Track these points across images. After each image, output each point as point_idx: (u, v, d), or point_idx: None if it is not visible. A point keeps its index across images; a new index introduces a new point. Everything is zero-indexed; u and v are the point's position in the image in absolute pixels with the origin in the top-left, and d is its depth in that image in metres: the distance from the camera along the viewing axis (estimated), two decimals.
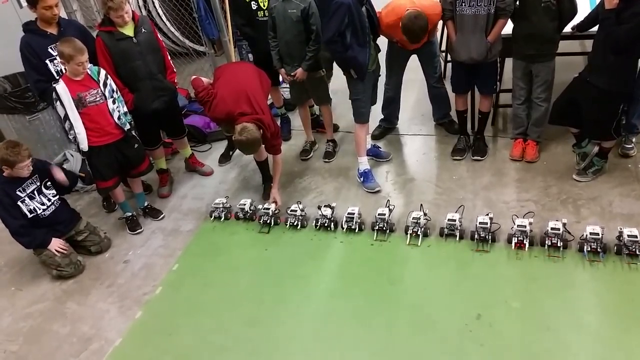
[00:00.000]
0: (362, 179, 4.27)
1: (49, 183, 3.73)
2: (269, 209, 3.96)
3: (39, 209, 3.68)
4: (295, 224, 3.89)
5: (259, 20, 4.46)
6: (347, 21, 3.66)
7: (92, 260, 3.92)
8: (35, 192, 3.66)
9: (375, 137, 4.72)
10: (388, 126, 4.83)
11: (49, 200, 3.72)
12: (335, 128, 4.96)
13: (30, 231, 3.66)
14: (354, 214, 3.77)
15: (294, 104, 4.88)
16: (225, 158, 4.88)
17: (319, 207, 3.83)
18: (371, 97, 4.19)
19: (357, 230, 3.75)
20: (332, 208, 3.86)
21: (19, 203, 3.59)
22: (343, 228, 3.79)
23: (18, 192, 3.58)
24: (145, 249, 3.96)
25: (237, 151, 4.59)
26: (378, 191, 4.17)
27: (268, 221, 3.96)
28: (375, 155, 4.51)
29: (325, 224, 3.81)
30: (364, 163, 4.25)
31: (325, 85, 4.53)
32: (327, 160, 4.64)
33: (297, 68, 4.22)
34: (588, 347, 2.78)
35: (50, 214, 3.74)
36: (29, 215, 3.64)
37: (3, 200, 3.55)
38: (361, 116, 4.18)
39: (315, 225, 3.85)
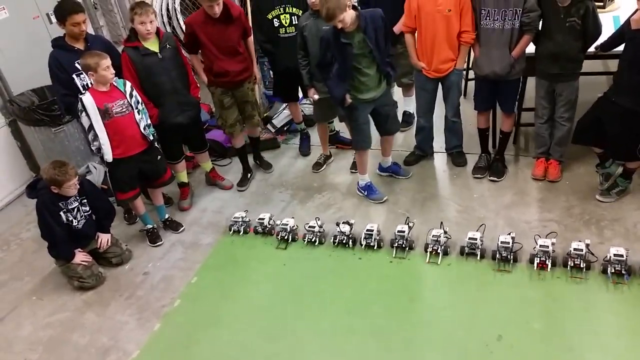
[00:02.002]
0: (365, 192, 4.28)
1: (85, 200, 3.78)
2: (287, 224, 3.94)
3: (74, 222, 3.74)
4: (313, 240, 3.87)
5: (280, 37, 4.51)
6: (330, 54, 3.73)
7: (112, 272, 3.95)
8: (76, 209, 3.73)
9: (407, 162, 4.67)
10: (420, 153, 4.70)
11: (81, 215, 3.78)
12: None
13: (62, 244, 3.72)
14: (372, 230, 3.74)
15: (317, 121, 4.88)
16: (243, 182, 4.85)
17: (338, 224, 3.81)
18: (368, 127, 4.11)
19: (375, 248, 3.72)
20: (350, 225, 3.82)
21: (61, 213, 3.66)
22: (362, 245, 3.77)
23: (60, 204, 3.65)
24: (165, 262, 3.98)
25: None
26: (385, 201, 4.20)
27: (286, 237, 3.94)
28: (394, 172, 4.50)
29: (344, 241, 3.79)
30: (365, 179, 4.28)
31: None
32: (354, 170, 4.61)
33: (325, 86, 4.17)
34: None
35: (82, 227, 3.80)
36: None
37: (51, 210, 3.61)
38: (355, 143, 4.24)
39: (334, 242, 3.83)
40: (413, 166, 4.62)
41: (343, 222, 3.82)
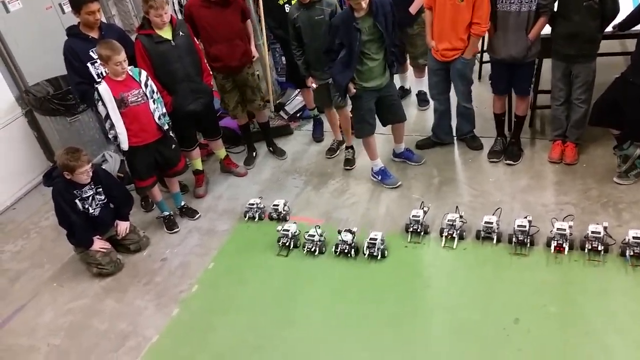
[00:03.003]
0: (379, 177, 4.27)
1: (100, 189, 3.81)
2: (288, 230, 3.76)
3: (90, 210, 3.78)
4: (312, 249, 3.66)
5: None
6: (339, 41, 3.73)
7: (131, 259, 4.00)
8: (90, 197, 3.76)
9: (419, 146, 4.64)
10: (435, 140, 4.64)
11: (97, 203, 3.81)
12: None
13: (81, 231, 3.77)
14: (376, 239, 3.53)
15: (318, 108, 4.90)
16: (249, 161, 4.92)
17: (339, 232, 3.62)
18: (373, 115, 4.10)
19: (379, 257, 3.52)
20: (352, 233, 3.61)
21: (77, 201, 3.70)
22: (364, 254, 3.57)
23: (75, 192, 3.69)
24: (182, 248, 4.02)
25: (262, 154, 4.68)
26: (400, 186, 4.18)
27: (287, 244, 3.77)
28: (407, 158, 4.48)
29: (346, 250, 3.60)
30: (377, 164, 4.27)
31: None
32: (348, 167, 4.57)
33: (328, 74, 4.15)
34: (630, 354, 2.70)
35: (99, 214, 3.84)
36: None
37: (65, 197, 3.65)
38: (357, 131, 4.24)
39: (335, 251, 3.63)
40: (427, 151, 4.59)
41: (345, 230, 3.63)
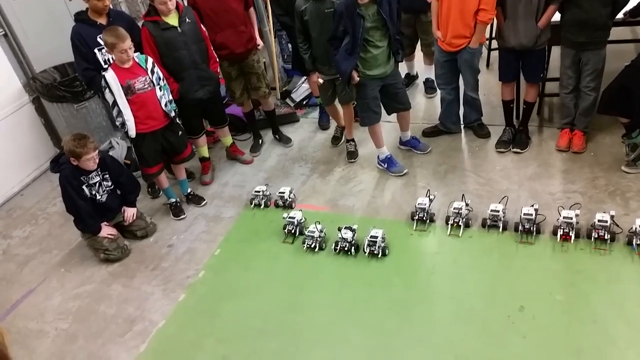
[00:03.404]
0: (385, 165, 4.26)
1: (107, 175, 3.83)
2: (294, 217, 3.75)
3: (97, 196, 3.80)
4: (312, 246, 3.61)
5: None
6: (342, 28, 3.69)
7: (137, 245, 4.03)
8: (97, 184, 3.78)
9: (425, 133, 4.63)
10: (442, 128, 4.62)
11: (103, 190, 3.83)
12: None
13: (88, 217, 3.79)
14: (377, 237, 3.44)
15: (324, 104, 4.80)
16: (255, 148, 4.93)
17: (339, 229, 3.54)
18: (378, 103, 4.07)
19: (380, 256, 3.45)
20: (353, 231, 3.53)
21: (84, 187, 3.72)
22: (365, 252, 3.49)
23: (82, 178, 3.70)
24: (189, 234, 4.04)
25: (268, 142, 4.66)
26: (406, 174, 4.17)
27: (293, 231, 3.78)
28: (413, 146, 4.47)
29: (346, 248, 3.52)
30: (384, 151, 4.26)
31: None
32: (352, 160, 4.54)
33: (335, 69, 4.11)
34: (636, 342, 2.69)
35: (106, 200, 3.86)
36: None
37: (73, 184, 3.67)
38: (362, 119, 4.21)
39: (335, 249, 3.56)
40: (434, 139, 4.57)
41: (345, 228, 3.54)
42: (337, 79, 4.17)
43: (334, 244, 3.57)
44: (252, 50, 4.48)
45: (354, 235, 3.52)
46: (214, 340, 3.13)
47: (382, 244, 3.46)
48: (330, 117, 5.02)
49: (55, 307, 3.60)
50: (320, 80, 4.25)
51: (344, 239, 3.51)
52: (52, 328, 3.43)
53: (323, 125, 5.13)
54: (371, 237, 3.46)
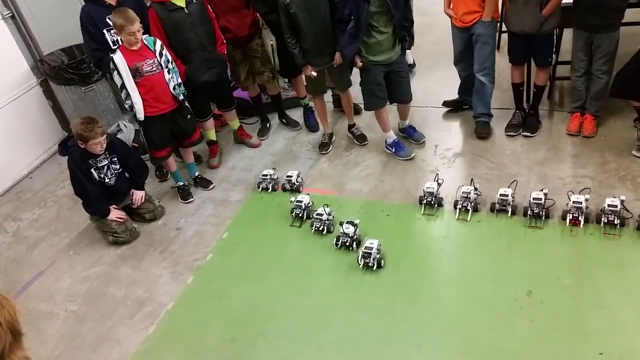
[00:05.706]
0: (393, 149, 4.25)
1: (115, 159, 3.83)
2: (301, 201, 3.74)
3: (106, 179, 3.81)
4: (321, 228, 3.62)
5: None
6: (348, 11, 3.66)
7: (146, 227, 4.05)
8: (106, 167, 3.79)
9: (445, 103, 4.65)
10: (461, 99, 4.60)
11: (112, 173, 3.84)
12: (357, 110, 4.78)
13: (96, 200, 3.81)
14: (372, 248, 3.25)
15: (312, 95, 4.57)
16: (263, 132, 4.91)
17: (341, 224, 3.46)
18: (382, 89, 4.03)
19: (375, 268, 3.25)
20: (355, 225, 3.44)
21: (92, 170, 3.73)
22: (359, 264, 3.28)
23: (90, 161, 3.71)
24: (197, 217, 4.05)
25: (276, 125, 4.63)
26: (413, 157, 4.16)
27: (300, 215, 3.77)
28: (409, 135, 4.43)
29: (347, 243, 3.44)
30: (391, 136, 4.24)
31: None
32: (364, 143, 4.49)
33: (328, 58, 4.06)
34: None
35: (114, 183, 3.87)
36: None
37: (81, 167, 3.68)
38: (366, 104, 4.19)
39: (336, 244, 3.48)
40: (445, 120, 4.54)
41: (347, 222, 3.45)
42: (332, 65, 4.11)
43: (335, 239, 3.50)
44: (256, 34, 4.43)
45: (355, 230, 3.44)
46: (222, 322, 3.15)
47: (377, 256, 3.27)
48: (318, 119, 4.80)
49: (64, 289, 3.63)
50: (314, 74, 4.12)
51: (346, 233, 3.43)
52: (62, 310, 3.46)
53: (311, 127, 4.89)
54: (366, 247, 3.26)
